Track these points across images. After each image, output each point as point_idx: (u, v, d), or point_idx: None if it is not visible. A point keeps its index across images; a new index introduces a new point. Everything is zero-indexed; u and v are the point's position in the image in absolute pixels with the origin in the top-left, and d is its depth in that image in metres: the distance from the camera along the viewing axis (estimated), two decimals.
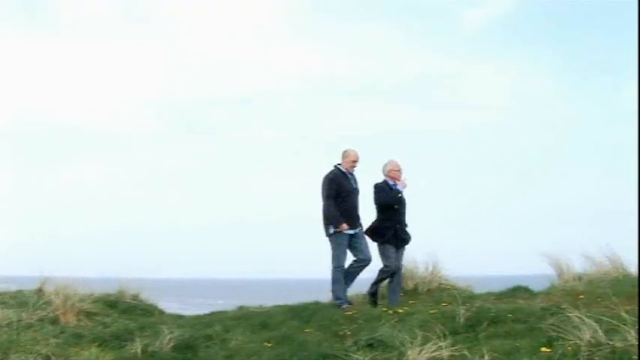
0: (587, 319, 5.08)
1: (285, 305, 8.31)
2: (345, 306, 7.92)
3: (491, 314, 6.29)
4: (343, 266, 8.38)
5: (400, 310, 7.27)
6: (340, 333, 6.60)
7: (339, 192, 8.41)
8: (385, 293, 8.58)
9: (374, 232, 8.51)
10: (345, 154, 8.66)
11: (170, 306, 10.66)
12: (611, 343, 4.70)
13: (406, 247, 8.66)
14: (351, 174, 8.65)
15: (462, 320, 6.25)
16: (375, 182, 8.66)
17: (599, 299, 6.75)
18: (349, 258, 8.46)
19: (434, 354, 5.17)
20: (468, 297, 7.69)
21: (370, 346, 5.87)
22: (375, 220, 8.58)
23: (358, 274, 8.48)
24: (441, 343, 5.27)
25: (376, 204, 8.55)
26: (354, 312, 7.36)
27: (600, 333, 4.91)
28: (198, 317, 8.72)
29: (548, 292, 7.96)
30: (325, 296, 8.72)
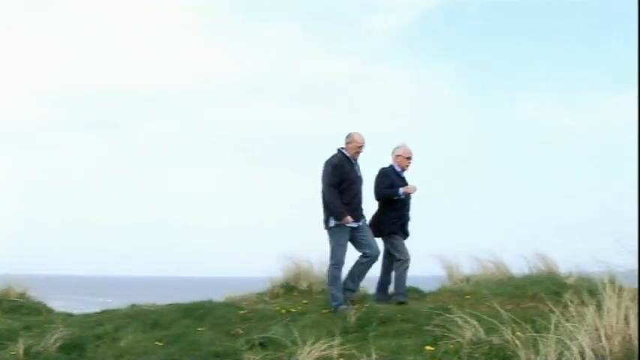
0: (470, 319, 5.34)
1: (178, 304, 8.13)
2: (342, 307, 7.14)
3: (381, 314, 6.47)
4: (342, 263, 7.58)
5: (293, 310, 7.35)
6: (233, 332, 6.59)
7: (342, 179, 7.50)
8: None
9: (378, 223, 7.79)
10: (349, 138, 7.69)
11: (60, 304, 10.29)
12: (489, 340, 4.95)
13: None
14: (356, 160, 7.73)
15: (352, 320, 6.39)
16: (381, 167, 7.93)
17: (483, 300, 7.07)
18: (351, 256, 7.71)
19: (324, 353, 5.25)
20: (361, 297, 7.85)
21: (262, 345, 5.91)
22: (379, 210, 7.89)
23: (368, 270, 7.71)
24: (331, 343, 5.37)
25: (376, 192, 7.84)
26: (247, 311, 7.37)
27: (481, 331, 5.16)
28: (88, 316, 8.45)
29: (437, 293, 8.25)
30: (219, 294, 8.66)
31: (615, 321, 4.29)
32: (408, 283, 7.87)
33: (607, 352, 4.14)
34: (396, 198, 7.68)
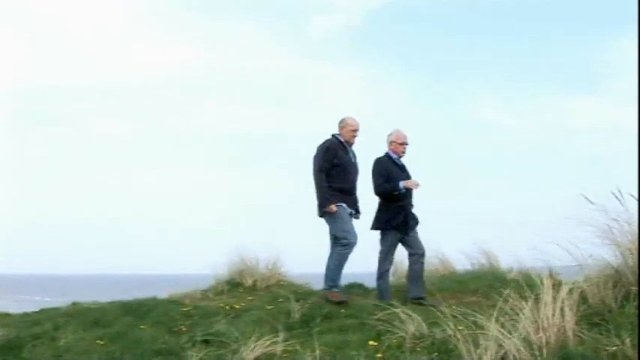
0: (413, 314, 5.41)
1: (120, 301, 7.97)
2: (335, 291, 6.94)
3: (325, 310, 6.49)
4: (354, 243, 7.11)
5: (237, 307, 7.30)
6: (176, 329, 6.50)
7: (334, 164, 7.15)
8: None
9: (380, 216, 7.37)
10: (342, 123, 7.40)
11: None
12: (432, 334, 5.02)
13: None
14: (350, 146, 7.43)
15: (296, 316, 6.39)
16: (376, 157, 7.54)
17: (426, 295, 7.16)
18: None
19: (267, 349, 5.25)
20: (305, 293, 7.85)
21: (205, 342, 5.86)
22: (380, 203, 7.44)
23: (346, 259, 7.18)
24: (275, 339, 5.36)
25: (375, 187, 7.44)
26: (190, 308, 7.29)
27: (424, 326, 5.24)
28: (26, 315, 8.21)
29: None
30: (163, 292, 8.55)
31: (551, 314, 4.41)
32: (353, 278, 7.93)
33: (543, 343, 4.26)
34: (396, 193, 7.28)
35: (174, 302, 7.81)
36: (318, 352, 5.07)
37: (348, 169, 7.30)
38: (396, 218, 7.28)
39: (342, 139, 7.37)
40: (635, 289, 4.85)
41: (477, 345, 4.42)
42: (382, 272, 7.37)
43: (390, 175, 7.35)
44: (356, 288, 8.12)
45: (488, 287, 6.76)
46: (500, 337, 4.32)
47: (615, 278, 5.13)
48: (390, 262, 7.52)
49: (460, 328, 4.87)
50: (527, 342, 4.29)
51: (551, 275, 5.15)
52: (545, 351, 4.24)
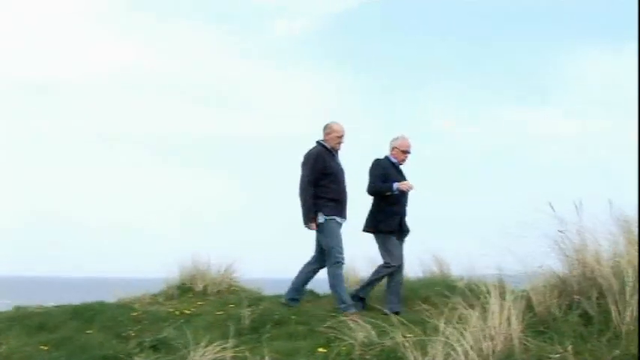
0: (362, 322, 5.44)
1: (66, 305, 7.81)
2: (352, 311, 6.64)
3: (276, 316, 6.48)
4: (343, 260, 7.01)
5: (187, 312, 7.24)
6: (124, 334, 6.40)
7: (325, 174, 6.95)
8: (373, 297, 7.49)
9: (373, 219, 7.18)
10: (328, 129, 7.14)
11: None
12: (381, 342, 5.05)
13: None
14: (337, 152, 7.23)
15: (247, 322, 6.36)
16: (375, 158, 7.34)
17: (377, 302, 7.20)
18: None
19: (217, 355, 5.19)
20: (256, 299, 7.82)
21: (154, 347, 5.78)
22: (373, 205, 7.27)
23: (342, 276, 7.18)
24: (224, 345, 5.32)
25: (368, 186, 7.24)
26: (139, 313, 7.19)
27: (373, 334, 5.26)
28: None
29: (333, 296, 8.31)
30: (112, 295, 8.41)
31: (498, 322, 4.48)
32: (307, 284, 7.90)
33: (490, 352, 4.32)
34: (389, 194, 7.10)
35: (123, 307, 7.69)
36: (267, 358, 5.06)
37: (338, 178, 7.10)
38: (391, 222, 7.13)
39: (329, 146, 7.15)
40: (578, 297, 4.96)
41: (424, 353, 4.46)
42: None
43: (388, 176, 7.18)
44: (307, 295, 8.12)
45: (437, 295, 6.82)
46: (448, 345, 4.37)
47: (561, 288, 5.24)
48: (398, 258, 7.20)
49: (409, 335, 4.91)
50: (474, 350, 4.35)
51: (499, 284, 5.23)
52: (492, 359, 4.30)
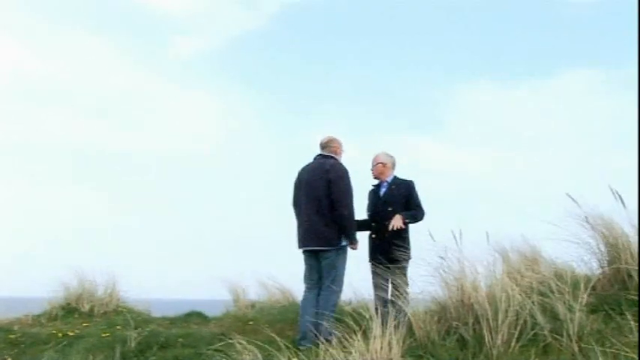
0: (248, 345, 5.46)
1: None
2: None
3: (162, 339, 6.42)
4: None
5: (71, 333, 7.04)
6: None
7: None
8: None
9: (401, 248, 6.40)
10: (336, 143, 6.62)
11: None
12: None
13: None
14: None
15: (133, 345, 6.26)
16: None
17: (266, 325, 7.24)
18: None
19: None
20: (143, 321, 7.71)
21: None
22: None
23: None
24: None
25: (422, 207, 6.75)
26: (18, 335, 6.93)
27: (259, 357, 5.30)
28: None
29: (220, 318, 8.32)
30: None
31: (380, 347, 4.63)
32: (192, 306, 7.88)
33: None
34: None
35: (0, 329, 7.38)
36: None
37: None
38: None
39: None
40: (456, 323, 5.20)
41: None
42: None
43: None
44: (195, 317, 8.08)
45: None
46: None
47: (440, 314, 5.48)
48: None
49: (294, 359, 4.99)
50: None
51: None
52: None
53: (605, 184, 5.78)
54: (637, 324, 4.63)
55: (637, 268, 5.45)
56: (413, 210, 6.66)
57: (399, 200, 6.73)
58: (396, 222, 6.42)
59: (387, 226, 6.46)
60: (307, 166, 6.63)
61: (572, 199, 5.92)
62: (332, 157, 6.53)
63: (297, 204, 6.58)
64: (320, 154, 6.61)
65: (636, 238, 5.63)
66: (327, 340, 4.93)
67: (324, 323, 5.83)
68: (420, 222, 6.71)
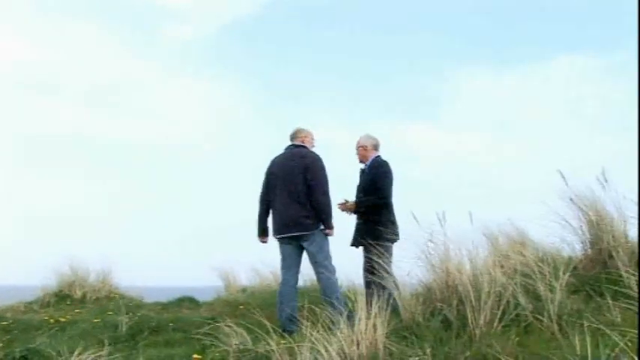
0: (237, 328, 5.56)
1: None
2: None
3: (153, 323, 6.50)
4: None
5: (63, 320, 7.12)
6: None
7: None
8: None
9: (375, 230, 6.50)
10: (305, 133, 6.64)
11: None
12: (255, 349, 5.20)
13: None
14: None
15: (124, 329, 6.35)
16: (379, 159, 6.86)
17: (257, 309, 7.33)
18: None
19: None
20: (135, 306, 7.81)
21: (23, 357, 5.65)
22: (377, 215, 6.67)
23: None
24: (99, 352, 5.30)
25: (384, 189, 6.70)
26: (10, 322, 7.00)
27: (248, 340, 5.40)
28: None
29: (211, 303, 8.42)
30: None
31: (365, 328, 4.72)
32: (185, 293, 7.96)
33: (355, 356, 4.56)
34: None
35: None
36: None
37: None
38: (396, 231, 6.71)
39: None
40: (440, 304, 5.30)
41: (294, 358, 4.64)
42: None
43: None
44: (187, 302, 8.18)
45: (313, 303, 7.04)
46: (315, 350, 4.57)
47: (425, 295, 5.57)
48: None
49: (283, 342, 5.08)
50: (342, 354, 4.57)
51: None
52: None
53: (595, 167, 5.89)
54: (616, 303, 4.74)
55: (633, 268, 5.51)
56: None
57: (368, 183, 6.80)
58: (345, 207, 6.70)
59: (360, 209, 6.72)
60: (280, 155, 6.65)
61: (562, 176, 6.01)
62: (304, 146, 6.56)
63: (269, 192, 6.57)
64: (292, 144, 6.63)
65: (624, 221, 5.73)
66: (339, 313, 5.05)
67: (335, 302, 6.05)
68: (380, 204, 6.73)
